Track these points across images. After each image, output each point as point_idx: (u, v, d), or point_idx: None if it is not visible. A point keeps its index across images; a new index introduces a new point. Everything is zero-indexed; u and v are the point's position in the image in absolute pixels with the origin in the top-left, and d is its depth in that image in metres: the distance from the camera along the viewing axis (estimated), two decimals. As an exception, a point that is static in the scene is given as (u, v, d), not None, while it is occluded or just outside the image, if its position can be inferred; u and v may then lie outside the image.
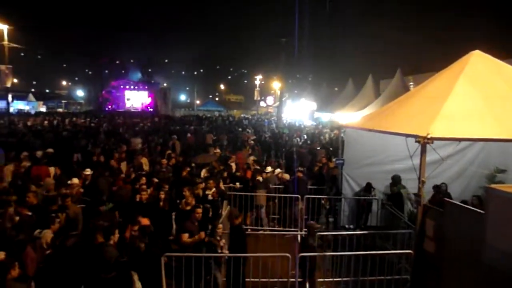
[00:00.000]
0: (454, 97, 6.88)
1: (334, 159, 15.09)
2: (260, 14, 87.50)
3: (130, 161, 14.43)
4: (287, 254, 7.17)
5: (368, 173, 11.36)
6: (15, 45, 29.71)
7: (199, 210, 7.94)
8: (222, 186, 10.73)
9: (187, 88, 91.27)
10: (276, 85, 48.30)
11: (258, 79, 63.62)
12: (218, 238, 7.54)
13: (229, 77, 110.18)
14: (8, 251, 6.02)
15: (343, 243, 8.47)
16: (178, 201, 9.21)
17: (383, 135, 8.73)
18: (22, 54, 52.61)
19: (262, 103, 69.32)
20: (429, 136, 6.16)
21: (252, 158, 15.43)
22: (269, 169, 13.03)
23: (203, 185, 9.94)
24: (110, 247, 6.02)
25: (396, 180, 10.79)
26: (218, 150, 16.40)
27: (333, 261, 8.00)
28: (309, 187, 12.48)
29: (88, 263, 6.09)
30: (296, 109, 43.62)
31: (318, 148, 19.94)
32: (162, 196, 9.02)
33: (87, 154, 16.15)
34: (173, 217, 8.57)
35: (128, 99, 55.50)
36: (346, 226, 11.56)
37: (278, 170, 13.38)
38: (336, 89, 39.03)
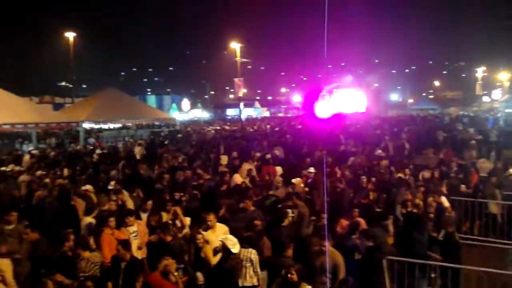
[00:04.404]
0: None
1: None
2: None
3: (344, 161, 14.85)
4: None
5: None
6: (245, 60, 34.50)
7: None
8: (444, 189, 10.13)
9: (399, 87, 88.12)
10: (503, 76, 42.23)
11: (480, 71, 56.76)
12: None
13: (444, 71, 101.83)
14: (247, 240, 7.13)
15: None
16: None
17: None
18: (249, 67, 60.07)
19: (485, 98, 61.80)
20: None
21: (481, 160, 13.94)
22: None
23: (423, 188, 9.56)
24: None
25: None
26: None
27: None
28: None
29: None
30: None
31: None
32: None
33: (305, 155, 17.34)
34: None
35: (340, 102, 57.37)
36: None
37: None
38: None
